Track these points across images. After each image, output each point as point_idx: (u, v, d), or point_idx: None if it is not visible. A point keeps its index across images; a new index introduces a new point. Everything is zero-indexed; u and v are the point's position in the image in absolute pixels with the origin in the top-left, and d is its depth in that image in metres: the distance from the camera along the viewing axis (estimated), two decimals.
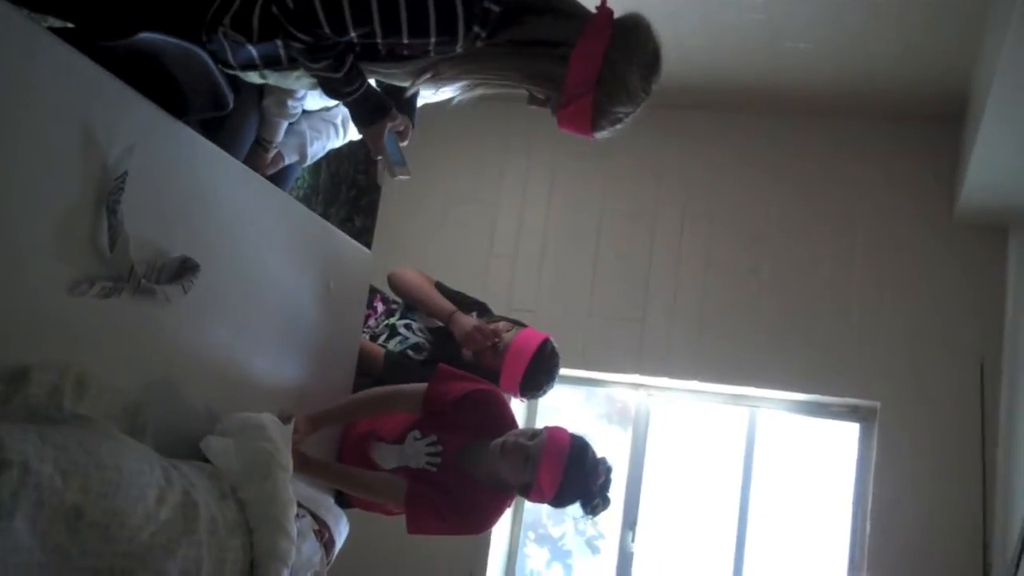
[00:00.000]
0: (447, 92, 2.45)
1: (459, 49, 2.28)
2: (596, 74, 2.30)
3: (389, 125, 2.53)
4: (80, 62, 2.01)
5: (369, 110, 2.50)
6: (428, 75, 2.35)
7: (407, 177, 2.69)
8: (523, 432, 3.10)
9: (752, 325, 5.27)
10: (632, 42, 2.33)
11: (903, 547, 4.79)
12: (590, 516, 3.11)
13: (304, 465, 2.85)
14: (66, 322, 1.98)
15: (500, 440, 3.06)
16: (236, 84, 2.51)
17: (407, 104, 2.73)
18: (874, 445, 5.10)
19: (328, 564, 2.87)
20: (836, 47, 4.78)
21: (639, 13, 2.37)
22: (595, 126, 2.39)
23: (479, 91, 2.42)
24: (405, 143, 2.67)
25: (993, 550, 4.47)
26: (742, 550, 5.24)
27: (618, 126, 2.40)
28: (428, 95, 2.64)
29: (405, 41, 2.27)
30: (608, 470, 3.09)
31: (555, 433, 3.04)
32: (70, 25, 2.40)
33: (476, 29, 2.23)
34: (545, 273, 5.59)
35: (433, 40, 2.25)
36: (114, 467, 1.88)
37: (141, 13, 2.26)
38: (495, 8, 2.24)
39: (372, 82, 2.48)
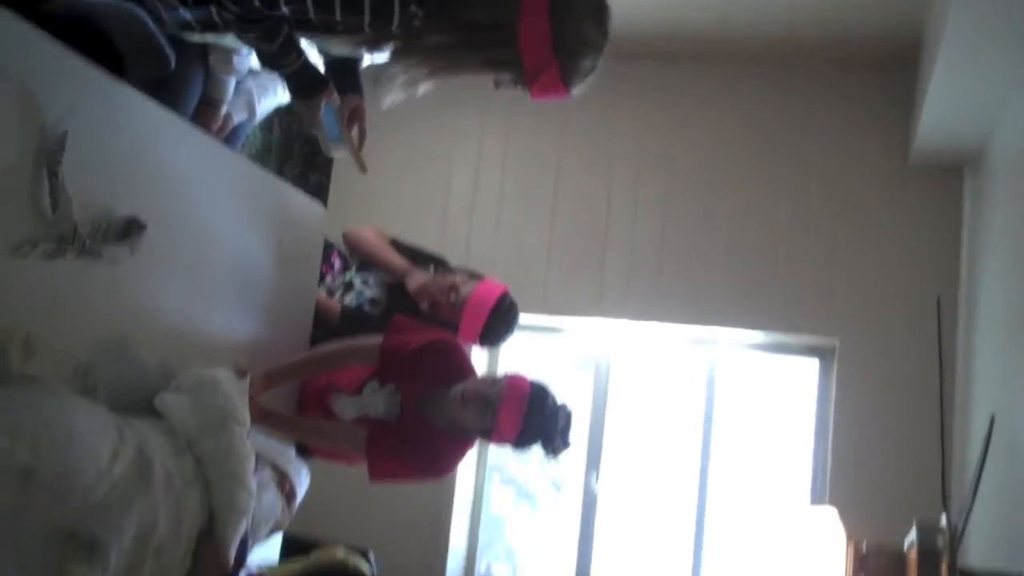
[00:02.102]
0: (415, 87, 2.43)
1: (395, 29, 2.25)
2: (551, 45, 2.29)
3: (326, 100, 2.51)
4: (15, 25, 1.99)
5: (305, 84, 2.47)
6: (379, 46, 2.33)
7: (342, 154, 2.70)
8: (483, 380, 3.13)
9: (711, 267, 5.30)
10: None
11: (864, 477, 4.87)
12: (551, 458, 3.15)
13: (263, 417, 2.87)
14: (10, 285, 1.98)
15: (460, 388, 3.08)
16: (179, 43, 2.49)
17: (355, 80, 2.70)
18: (833, 380, 5.16)
19: (290, 514, 2.90)
20: None
21: None
22: (569, 88, 2.38)
23: (440, 79, 2.41)
24: (363, 126, 2.66)
25: (951, 478, 4.55)
26: (705, 486, 5.30)
27: (591, 76, 2.40)
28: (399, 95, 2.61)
29: (338, 18, 2.24)
30: (568, 415, 3.11)
31: (515, 381, 3.06)
32: None
33: (413, 8, 2.21)
34: (503, 225, 5.60)
35: (368, 19, 2.22)
36: (64, 426, 1.88)
37: None
38: None
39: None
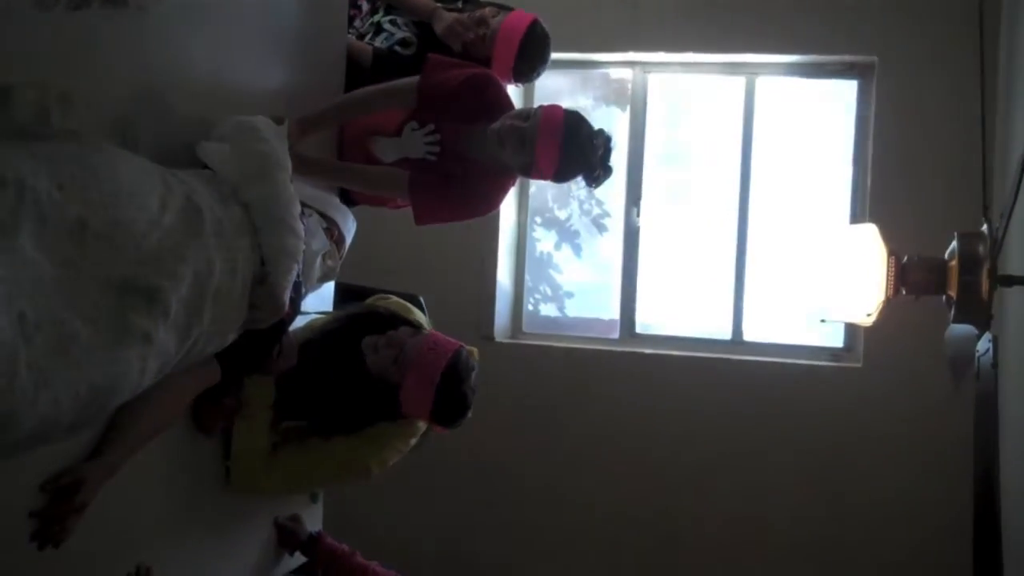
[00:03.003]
0: None
1: None
2: None
3: None
4: None
5: None
6: None
7: None
8: (517, 114, 3.10)
9: None
10: None
11: (905, 195, 4.86)
12: (593, 187, 3.15)
13: (304, 165, 2.86)
14: (39, 40, 1.95)
15: (496, 125, 3.06)
16: None
17: None
18: (873, 99, 5.09)
19: (340, 260, 2.95)
20: None
21: None
22: None
23: None
24: None
25: (992, 189, 4.53)
26: (746, 212, 5.33)
27: None
28: None
29: None
30: (607, 139, 3.08)
31: (549, 111, 3.03)
32: None
33: None
34: None
35: None
36: (110, 178, 1.89)
37: None
38: None
39: None
